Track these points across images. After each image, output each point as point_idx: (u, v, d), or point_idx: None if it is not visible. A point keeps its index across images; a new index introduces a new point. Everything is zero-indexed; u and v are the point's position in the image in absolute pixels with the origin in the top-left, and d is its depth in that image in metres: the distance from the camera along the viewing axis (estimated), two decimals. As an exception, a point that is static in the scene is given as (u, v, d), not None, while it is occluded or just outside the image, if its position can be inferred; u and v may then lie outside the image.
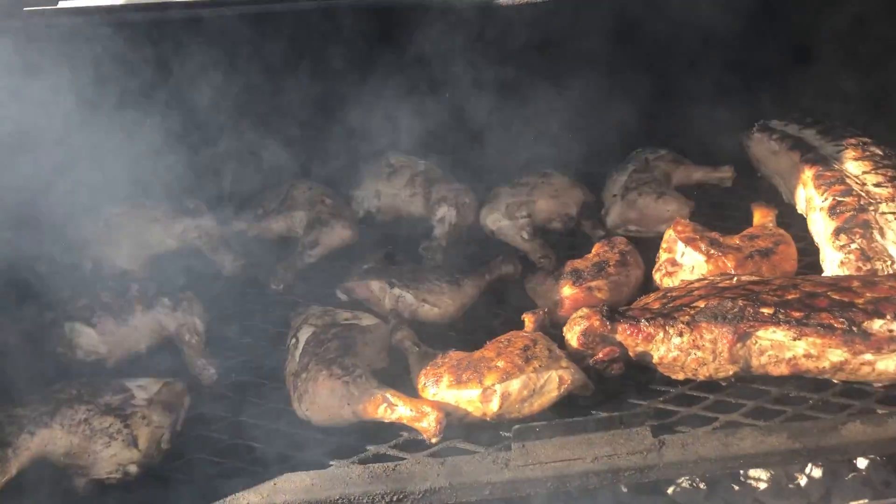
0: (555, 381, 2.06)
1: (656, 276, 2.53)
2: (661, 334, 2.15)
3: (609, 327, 2.18)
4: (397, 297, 2.41)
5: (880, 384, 2.10)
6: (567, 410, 2.10)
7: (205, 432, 2.09)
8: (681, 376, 2.18)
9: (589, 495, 2.48)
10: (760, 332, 2.10)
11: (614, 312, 2.20)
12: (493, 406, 2.02)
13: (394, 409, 2.01)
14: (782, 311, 2.10)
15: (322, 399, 2.03)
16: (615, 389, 2.20)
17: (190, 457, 2.01)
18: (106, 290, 2.33)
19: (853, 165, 2.63)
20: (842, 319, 2.05)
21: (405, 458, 1.99)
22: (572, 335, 2.19)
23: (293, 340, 2.23)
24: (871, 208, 2.44)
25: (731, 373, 2.13)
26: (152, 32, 2.57)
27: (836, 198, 2.54)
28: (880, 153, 2.66)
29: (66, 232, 2.61)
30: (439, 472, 1.93)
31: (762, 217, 2.71)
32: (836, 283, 2.20)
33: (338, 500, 1.88)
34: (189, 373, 2.23)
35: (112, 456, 1.89)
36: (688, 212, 2.81)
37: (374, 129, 2.89)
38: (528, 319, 2.32)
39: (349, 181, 2.97)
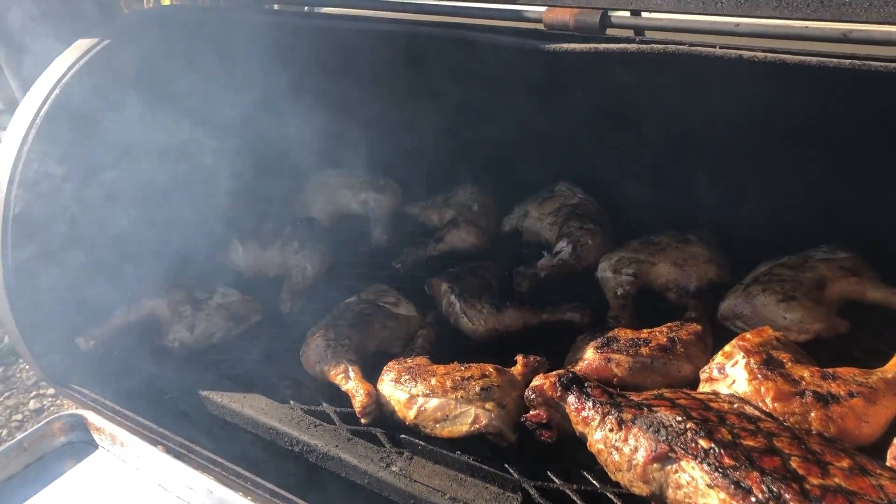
0: (469, 416, 2.10)
1: (701, 376, 2.21)
2: (598, 421, 1.98)
3: (559, 395, 2.08)
4: (451, 302, 2.61)
5: None
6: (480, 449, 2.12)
7: (248, 344, 2.68)
8: (613, 476, 1.97)
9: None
10: (684, 464, 1.79)
11: (573, 383, 2.08)
12: (411, 414, 2.16)
13: (347, 381, 2.32)
14: (719, 451, 1.75)
15: (308, 351, 2.44)
16: (542, 455, 2.10)
17: (222, 356, 2.62)
18: (271, 223, 3.04)
19: None
20: (767, 489, 1.63)
21: (333, 424, 2.28)
22: (528, 388, 2.15)
23: (343, 302, 2.66)
24: None
25: (644, 492, 1.86)
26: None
27: None
28: None
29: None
30: (339, 444, 2.19)
31: (900, 364, 2.10)
32: (829, 455, 1.71)
33: (268, 426, 2.30)
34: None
35: (176, 331, 2.61)
36: (818, 328, 2.32)
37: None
38: (520, 361, 2.32)
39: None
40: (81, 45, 2.66)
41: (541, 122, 2.91)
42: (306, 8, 3.32)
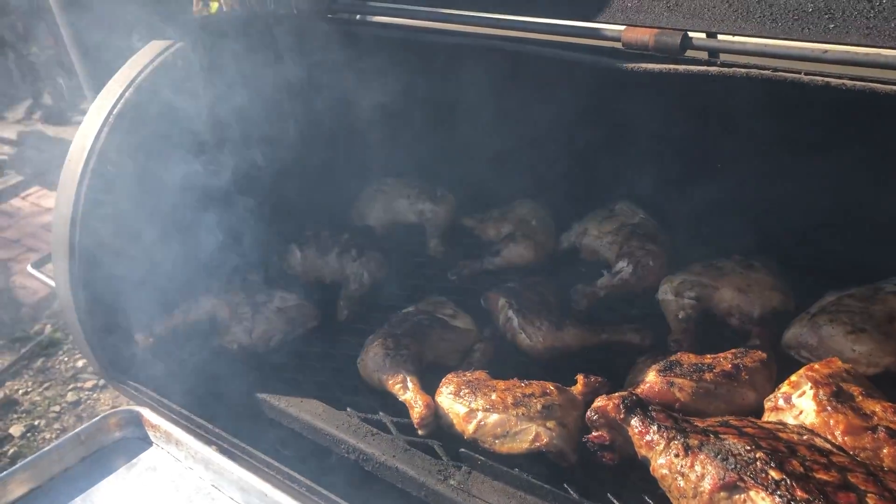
0: (530, 433, 2.08)
1: (766, 405, 2.17)
2: (662, 446, 1.95)
3: (622, 417, 2.05)
4: (508, 317, 2.59)
5: None
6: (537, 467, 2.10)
7: (304, 348, 2.68)
8: (676, 502, 1.94)
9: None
10: (754, 494, 1.75)
11: (637, 406, 2.05)
12: (470, 428, 2.15)
13: (405, 391, 2.31)
14: (790, 482, 1.71)
15: (367, 359, 2.44)
16: (601, 476, 2.08)
17: (279, 359, 2.64)
18: (329, 230, 3.05)
19: None
20: (844, 526, 1.60)
21: (390, 434, 2.27)
22: (590, 408, 2.13)
23: (401, 311, 2.66)
24: None
25: (709, 521, 1.83)
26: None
27: None
28: None
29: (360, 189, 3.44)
30: (396, 455, 2.18)
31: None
32: (908, 495, 1.67)
33: (324, 431, 2.30)
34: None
35: (235, 333, 2.63)
36: (889, 363, 2.27)
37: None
38: (580, 381, 2.30)
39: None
40: (156, 46, 2.70)
41: (603, 139, 2.90)
42: (358, 16, 3.35)
